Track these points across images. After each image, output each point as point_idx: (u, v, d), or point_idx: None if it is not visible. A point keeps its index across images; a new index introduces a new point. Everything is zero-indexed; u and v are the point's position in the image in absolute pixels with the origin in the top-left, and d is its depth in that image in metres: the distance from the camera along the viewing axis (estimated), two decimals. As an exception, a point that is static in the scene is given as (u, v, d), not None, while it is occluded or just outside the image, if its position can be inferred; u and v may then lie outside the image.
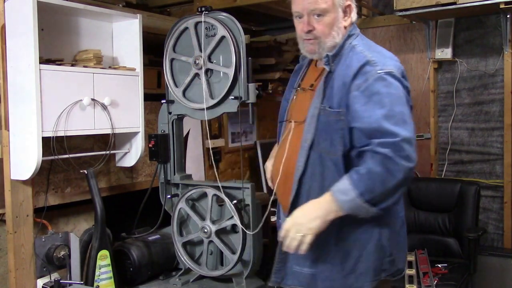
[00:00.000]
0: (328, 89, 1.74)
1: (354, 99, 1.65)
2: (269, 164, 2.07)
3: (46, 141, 2.16)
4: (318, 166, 1.72)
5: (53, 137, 2.18)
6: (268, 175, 2.07)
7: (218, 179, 2.28)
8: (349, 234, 1.70)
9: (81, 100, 2.27)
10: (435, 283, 2.89)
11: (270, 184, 2.07)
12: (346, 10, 1.77)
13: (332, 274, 1.72)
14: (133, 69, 2.54)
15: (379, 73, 1.64)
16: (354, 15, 1.81)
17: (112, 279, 2.31)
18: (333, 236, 1.70)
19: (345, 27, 1.77)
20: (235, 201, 2.21)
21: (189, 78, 2.35)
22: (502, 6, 2.98)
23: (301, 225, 1.63)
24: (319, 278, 1.74)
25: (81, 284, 2.28)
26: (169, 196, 2.47)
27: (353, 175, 1.60)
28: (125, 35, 2.59)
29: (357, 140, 1.65)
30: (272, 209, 3.33)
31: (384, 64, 1.67)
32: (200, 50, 2.31)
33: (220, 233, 2.28)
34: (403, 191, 1.63)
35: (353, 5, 1.79)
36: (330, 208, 1.61)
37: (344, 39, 1.77)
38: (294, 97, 1.92)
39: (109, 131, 2.41)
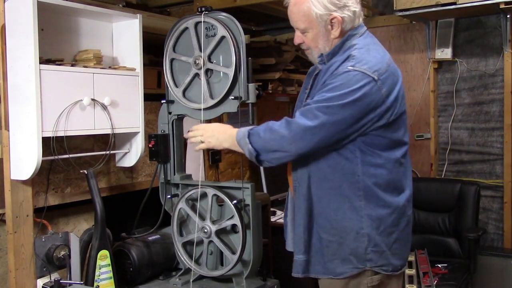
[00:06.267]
0: (315, 85, 1.85)
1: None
2: None
3: (46, 141, 2.16)
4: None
5: (53, 137, 2.18)
6: None
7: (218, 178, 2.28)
8: (331, 222, 1.79)
9: (81, 100, 2.27)
10: (435, 283, 2.89)
11: None
12: (332, 23, 1.78)
13: (319, 259, 1.83)
14: (133, 69, 2.54)
15: (349, 69, 1.70)
16: (349, 23, 1.80)
17: (112, 279, 2.31)
18: (315, 224, 1.82)
19: (335, 38, 1.81)
20: (235, 201, 2.21)
21: (189, 78, 2.35)
22: (502, 6, 2.99)
23: (211, 137, 2.03)
24: (311, 264, 1.85)
25: (81, 284, 2.28)
26: (169, 196, 2.47)
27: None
28: (125, 35, 2.59)
29: None
30: (272, 209, 3.34)
31: (360, 61, 1.71)
32: (200, 50, 2.30)
33: (220, 233, 2.28)
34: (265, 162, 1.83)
35: (344, 15, 1.77)
36: (229, 138, 1.94)
37: (342, 40, 1.82)
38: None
39: (109, 131, 2.41)
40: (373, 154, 1.76)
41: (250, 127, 1.87)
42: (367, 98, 1.68)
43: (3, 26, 2.16)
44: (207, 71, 2.30)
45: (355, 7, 1.80)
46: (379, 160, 1.76)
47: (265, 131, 1.80)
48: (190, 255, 2.40)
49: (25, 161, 2.15)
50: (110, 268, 2.31)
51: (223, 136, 1.99)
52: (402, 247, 1.84)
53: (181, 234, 2.43)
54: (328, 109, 1.69)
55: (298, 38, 1.88)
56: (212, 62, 2.29)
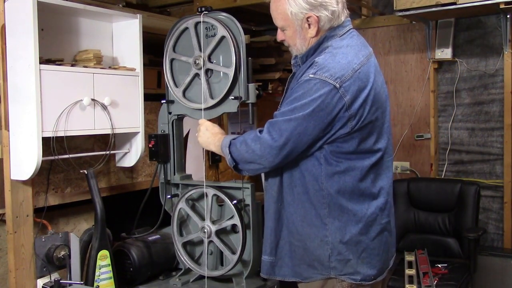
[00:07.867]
0: (289, 89, 1.86)
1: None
2: None
3: (46, 141, 2.16)
4: None
5: (53, 137, 2.18)
6: None
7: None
8: (297, 228, 1.81)
9: (81, 100, 2.27)
10: (435, 283, 2.89)
11: None
12: (308, 22, 1.77)
13: (287, 262, 1.85)
14: (133, 69, 2.54)
15: (310, 77, 1.69)
16: (327, 23, 1.76)
17: (112, 279, 2.31)
18: (284, 228, 1.84)
19: (312, 37, 1.80)
20: (235, 201, 2.21)
21: (189, 78, 2.35)
22: (502, 6, 2.99)
23: (202, 136, 2.07)
24: (277, 266, 1.87)
25: (81, 284, 2.28)
26: (169, 196, 2.47)
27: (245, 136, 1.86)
28: (125, 35, 2.59)
29: None
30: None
31: (322, 68, 1.69)
32: (200, 50, 2.30)
33: (220, 233, 2.28)
34: (243, 171, 1.89)
35: (321, 14, 1.74)
36: (217, 142, 1.97)
37: (318, 42, 1.79)
38: None
39: (109, 131, 2.41)
40: (338, 161, 1.74)
41: (235, 136, 1.91)
42: (328, 107, 1.67)
43: (3, 26, 2.16)
44: (207, 71, 2.30)
45: (334, 6, 1.75)
46: (344, 168, 1.74)
47: (241, 143, 1.83)
48: (190, 255, 2.40)
49: (25, 161, 2.15)
50: (110, 268, 2.31)
51: (212, 139, 2.02)
52: (374, 256, 1.79)
53: (181, 234, 2.43)
54: (291, 121, 1.71)
55: (279, 35, 1.89)
56: (212, 62, 2.29)
